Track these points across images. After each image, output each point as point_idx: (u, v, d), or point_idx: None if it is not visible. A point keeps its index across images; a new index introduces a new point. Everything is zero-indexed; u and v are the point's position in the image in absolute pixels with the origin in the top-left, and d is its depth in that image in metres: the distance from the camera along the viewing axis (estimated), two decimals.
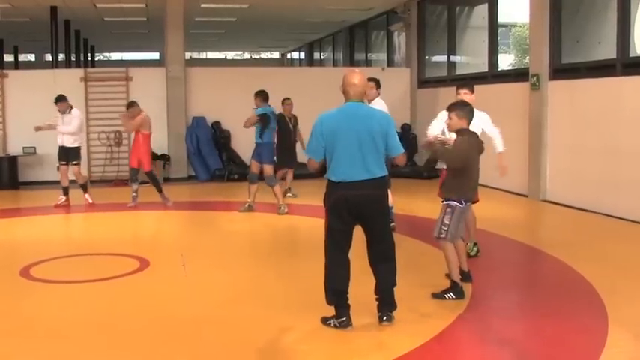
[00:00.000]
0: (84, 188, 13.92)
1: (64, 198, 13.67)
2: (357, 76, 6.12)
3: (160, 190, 13.55)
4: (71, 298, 7.41)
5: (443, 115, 7.67)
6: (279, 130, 13.06)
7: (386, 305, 6.16)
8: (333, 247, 6.04)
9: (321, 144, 5.94)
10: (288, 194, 13.74)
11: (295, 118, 14.11)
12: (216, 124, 18.17)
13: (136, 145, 13.41)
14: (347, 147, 5.88)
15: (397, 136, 6.18)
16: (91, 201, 13.82)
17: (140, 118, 13.26)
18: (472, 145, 7.06)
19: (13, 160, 17.22)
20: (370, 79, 9.10)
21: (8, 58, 31.36)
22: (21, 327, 6.42)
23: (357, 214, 5.96)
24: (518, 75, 14.88)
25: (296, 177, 16.65)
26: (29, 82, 17.84)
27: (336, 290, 6.03)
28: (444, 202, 7.00)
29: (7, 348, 5.82)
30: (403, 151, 6.20)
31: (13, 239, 11.33)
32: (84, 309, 6.98)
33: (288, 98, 14.03)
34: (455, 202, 6.95)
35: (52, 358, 5.62)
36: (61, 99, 13.51)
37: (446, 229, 6.91)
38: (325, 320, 6.12)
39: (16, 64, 32.18)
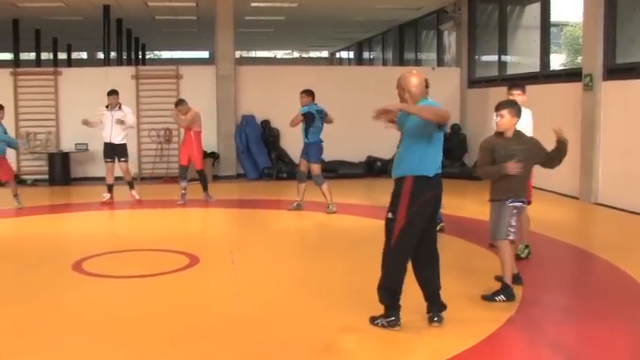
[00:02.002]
0: (131, 185, 14.05)
1: (108, 195, 13.82)
2: (415, 76, 6.09)
3: (205, 188, 13.64)
4: (122, 294, 7.49)
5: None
6: None
7: (435, 306, 6.12)
8: (405, 247, 5.94)
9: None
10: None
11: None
12: (266, 123, 18.22)
13: (187, 143, 13.51)
14: (437, 142, 5.89)
15: None
16: (137, 197, 13.96)
17: (193, 113, 13.38)
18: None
19: (65, 156, 17.50)
20: None
21: (61, 56, 31.80)
22: (71, 321, 6.50)
23: (432, 213, 5.96)
24: (571, 75, 14.66)
25: (342, 176, 16.68)
26: (82, 80, 18.08)
27: (393, 290, 5.99)
28: (510, 204, 6.87)
29: (56, 341, 5.89)
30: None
31: (65, 234, 11.50)
32: (134, 304, 7.05)
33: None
34: (520, 203, 6.87)
35: (100, 352, 5.67)
36: (114, 92, 13.65)
37: (513, 230, 6.84)
38: (373, 320, 6.09)
39: (69, 62, 32.64)
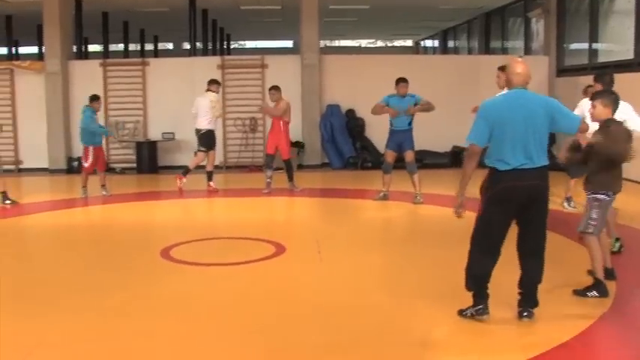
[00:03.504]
0: (210, 175, 14.15)
1: (184, 179, 13.97)
2: (520, 65, 5.97)
3: (291, 178, 13.69)
4: (210, 281, 7.57)
5: (584, 103, 7.38)
6: None
7: (528, 301, 5.97)
8: (485, 236, 5.87)
9: (486, 129, 5.79)
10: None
11: None
12: (351, 112, 18.16)
13: (276, 132, 13.56)
14: (512, 134, 5.71)
15: (568, 110, 6.05)
16: (214, 187, 14.06)
17: (285, 104, 13.49)
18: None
19: (152, 145, 17.79)
20: (502, 68, 8.88)
21: (148, 47, 32.35)
22: (160, 307, 6.61)
23: (520, 204, 5.79)
24: None
25: (428, 166, 16.51)
26: (168, 70, 18.36)
27: (479, 278, 5.90)
28: (592, 196, 6.70)
29: (145, 327, 6.00)
30: (579, 120, 6.06)
31: (152, 221, 11.72)
32: (222, 292, 7.12)
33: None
34: (603, 196, 6.67)
35: (186, 338, 5.73)
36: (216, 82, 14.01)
37: (594, 223, 6.64)
38: (462, 312, 6.02)
39: (156, 53, 33.18)
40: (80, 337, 5.76)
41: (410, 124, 12.10)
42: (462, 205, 5.97)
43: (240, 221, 11.14)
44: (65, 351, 5.48)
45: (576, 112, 8.18)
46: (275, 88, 13.61)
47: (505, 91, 6.44)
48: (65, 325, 6.04)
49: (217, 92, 14.19)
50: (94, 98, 13.42)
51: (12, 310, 6.45)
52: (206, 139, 13.90)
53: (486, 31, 26.73)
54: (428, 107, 12.10)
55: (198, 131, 13.91)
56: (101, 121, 14.26)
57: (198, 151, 14.05)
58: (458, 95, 17.13)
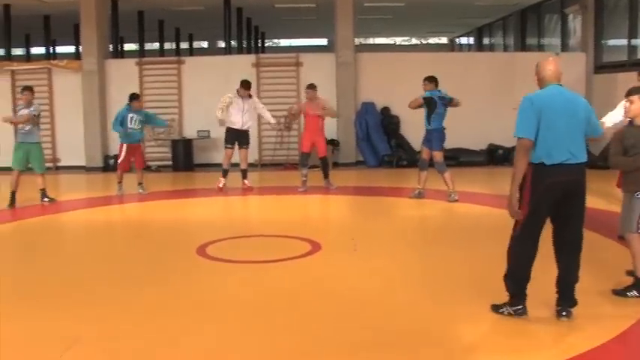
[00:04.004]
0: (245, 173, 14.14)
1: (223, 180, 13.97)
2: (552, 62, 5.91)
3: (326, 175, 13.68)
4: (246, 278, 7.57)
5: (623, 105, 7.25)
6: None
7: (566, 300, 5.88)
8: (527, 233, 5.78)
9: (533, 122, 5.70)
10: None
11: None
12: (386, 110, 18.11)
13: (314, 130, 13.54)
14: (557, 128, 5.64)
15: (596, 118, 5.99)
16: (249, 184, 14.07)
17: (324, 102, 13.58)
18: None
19: (188, 143, 17.91)
20: None
21: (183, 45, 32.49)
22: (196, 304, 6.61)
23: (559, 200, 5.72)
24: None
25: (463, 164, 16.41)
26: (204, 68, 18.46)
27: (520, 279, 5.84)
28: (638, 196, 6.55)
29: (182, 324, 5.99)
30: (602, 131, 6.03)
31: (188, 219, 11.74)
32: (258, 289, 7.11)
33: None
34: None
35: (222, 334, 5.74)
36: (248, 84, 13.89)
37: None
38: (497, 308, 5.96)
39: (191, 52, 33.32)
40: (117, 333, 5.79)
41: (429, 123, 12.01)
42: (517, 205, 5.82)
43: (276, 219, 11.15)
44: (102, 347, 5.50)
45: (617, 111, 8.06)
46: (311, 87, 13.67)
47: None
48: (102, 321, 6.08)
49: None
50: (131, 97, 13.52)
51: (51, 307, 6.51)
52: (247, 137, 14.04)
53: (522, 28, 26.48)
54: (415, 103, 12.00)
55: (246, 131, 14.04)
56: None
57: (242, 148, 14.04)
58: (493, 93, 17.04)
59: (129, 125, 13.40)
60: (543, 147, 5.68)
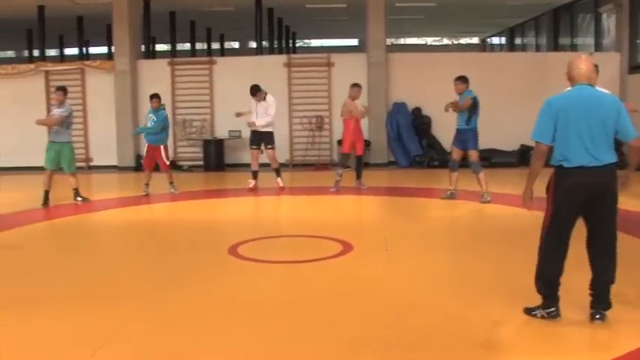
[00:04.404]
0: (277, 172, 14.16)
1: (253, 182, 14.00)
2: (584, 61, 5.83)
3: (359, 175, 13.66)
4: (278, 279, 7.57)
5: None
6: None
7: (600, 303, 5.79)
8: (555, 235, 5.75)
9: (550, 126, 5.67)
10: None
11: None
12: (417, 110, 18.04)
13: (354, 130, 13.54)
14: (579, 132, 5.58)
15: (629, 119, 5.82)
16: (282, 185, 14.06)
17: (359, 103, 13.60)
18: None
19: (219, 143, 17.96)
20: None
21: (214, 45, 32.61)
22: (228, 304, 6.61)
23: (587, 202, 5.64)
24: None
25: (495, 165, 16.30)
26: (235, 69, 18.52)
27: (550, 280, 5.77)
28: None
29: (213, 324, 6.01)
30: (637, 135, 5.82)
31: (219, 219, 11.76)
32: (290, 289, 7.10)
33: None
34: None
35: (253, 335, 5.73)
36: (258, 90, 13.80)
37: None
38: (530, 311, 5.88)
39: (222, 52, 33.43)
40: (149, 332, 5.81)
41: (468, 123, 11.93)
42: (531, 197, 5.85)
43: (308, 219, 11.15)
44: (134, 345, 5.52)
45: None
46: (355, 85, 13.71)
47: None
48: (135, 319, 6.10)
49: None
50: (150, 97, 13.59)
51: (84, 304, 6.55)
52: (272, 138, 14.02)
53: (555, 28, 26.27)
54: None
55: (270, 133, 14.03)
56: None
57: (266, 149, 14.07)
58: (525, 93, 16.89)
59: (147, 124, 13.48)
60: (561, 150, 5.65)
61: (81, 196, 12.79)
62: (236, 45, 39.68)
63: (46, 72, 18.96)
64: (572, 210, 5.69)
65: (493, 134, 16.09)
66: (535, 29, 29.93)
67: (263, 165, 14.23)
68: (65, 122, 12.45)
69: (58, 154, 12.48)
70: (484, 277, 7.37)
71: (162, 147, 13.49)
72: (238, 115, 14.14)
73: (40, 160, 12.79)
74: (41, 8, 20.98)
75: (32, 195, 12.88)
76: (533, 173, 5.80)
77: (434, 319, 6.05)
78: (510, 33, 34.25)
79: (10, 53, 38.85)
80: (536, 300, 5.86)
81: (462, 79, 11.98)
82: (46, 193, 12.42)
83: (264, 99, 13.79)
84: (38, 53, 22.83)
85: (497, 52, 36.49)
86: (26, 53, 29.76)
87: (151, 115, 13.50)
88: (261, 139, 13.91)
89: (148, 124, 13.51)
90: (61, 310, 6.39)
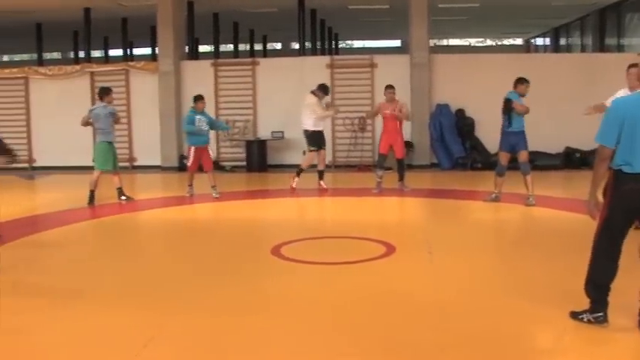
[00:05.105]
0: (321, 174, 14.13)
1: (297, 179, 13.99)
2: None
3: (402, 178, 13.59)
4: (321, 280, 7.56)
5: None
6: None
7: None
8: (607, 240, 5.64)
9: (615, 129, 5.56)
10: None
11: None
12: (460, 112, 17.90)
13: (391, 132, 13.49)
14: (638, 138, 5.49)
15: None
16: (325, 187, 14.05)
17: (402, 104, 13.58)
18: None
19: (262, 144, 18.01)
20: (633, 66, 8.58)
21: (257, 46, 32.76)
22: (271, 304, 6.64)
23: None
24: None
25: (539, 168, 16.10)
26: (278, 70, 18.55)
27: (600, 285, 5.67)
28: None
29: (256, 323, 6.02)
30: None
31: (261, 219, 11.82)
32: (331, 290, 7.08)
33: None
34: None
35: (296, 335, 5.74)
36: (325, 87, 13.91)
37: None
38: (576, 315, 5.78)
39: (264, 53, 33.57)
40: (193, 331, 5.83)
41: (519, 125, 11.81)
42: (596, 205, 5.71)
43: (350, 220, 11.12)
44: (178, 344, 5.57)
45: None
46: (389, 87, 13.61)
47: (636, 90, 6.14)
48: (178, 319, 6.14)
49: (320, 97, 14.06)
50: (195, 99, 13.61)
51: (129, 303, 6.63)
52: (312, 139, 13.97)
53: (601, 28, 25.92)
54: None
55: (305, 131, 14.00)
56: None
57: (309, 150, 14.09)
58: (571, 95, 16.70)
59: (197, 126, 13.50)
60: (623, 155, 5.51)
61: (125, 196, 12.92)
62: (278, 46, 39.83)
63: (92, 73, 19.19)
64: (627, 215, 5.58)
65: (537, 136, 15.83)
66: (581, 29, 29.60)
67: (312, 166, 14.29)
68: (111, 122, 12.62)
69: (105, 153, 12.69)
70: (529, 280, 7.28)
71: (208, 147, 13.58)
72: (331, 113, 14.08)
73: (85, 159, 12.93)
74: (87, 10, 21.24)
75: (77, 194, 13.10)
76: (597, 178, 5.65)
77: (477, 321, 6.00)
78: (555, 33, 33.93)
79: (56, 54, 39.43)
80: (583, 304, 5.77)
81: (522, 81, 11.82)
82: (92, 192, 12.59)
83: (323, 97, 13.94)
84: (84, 54, 23.12)
85: (542, 53, 36.14)
86: (72, 54, 30.17)
87: (200, 116, 13.48)
88: (321, 139, 14.03)
89: (202, 127, 13.46)
90: (108, 308, 6.48)
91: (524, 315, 6.12)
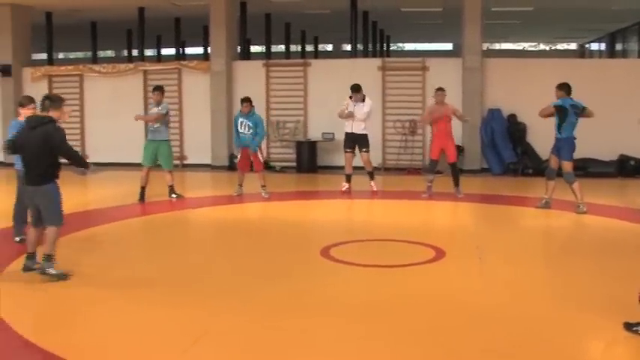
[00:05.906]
0: (371, 176, 14.14)
1: (347, 185, 14.03)
2: None
3: (457, 183, 13.45)
4: (368, 282, 7.57)
5: None
6: None
7: None
8: None
9: None
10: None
11: None
12: (512, 117, 17.71)
13: (443, 135, 13.36)
14: None
15: None
16: (375, 189, 14.05)
17: (452, 107, 13.54)
18: None
19: (312, 145, 18.03)
20: None
21: (308, 48, 32.80)
22: (319, 305, 6.66)
23: None
24: None
25: (592, 175, 15.88)
26: (329, 71, 18.57)
27: None
28: None
29: (304, 323, 6.08)
30: None
31: (311, 220, 11.85)
32: (379, 293, 7.08)
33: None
34: None
35: (343, 337, 5.75)
36: (360, 89, 13.79)
37: None
38: (631, 326, 5.69)
39: (316, 54, 33.61)
40: (242, 328, 5.90)
41: (559, 131, 11.65)
42: None
43: (400, 224, 11.10)
44: (228, 341, 5.64)
45: None
46: (440, 89, 13.50)
47: None
48: (227, 317, 6.20)
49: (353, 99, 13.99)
50: (240, 101, 13.70)
51: (179, 299, 6.73)
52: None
53: None
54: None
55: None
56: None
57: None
58: (626, 102, 16.44)
59: (239, 129, 13.52)
60: None
61: (176, 193, 13.06)
62: (329, 47, 39.85)
63: (145, 71, 19.41)
64: None
65: (591, 143, 15.64)
66: (638, 35, 29.08)
67: (357, 168, 14.25)
68: (163, 120, 12.76)
69: (155, 151, 12.80)
70: (581, 289, 7.20)
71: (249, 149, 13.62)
72: (347, 116, 14.02)
73: (136, 156, 13.08)
74: (141, 9, 21.49)
75: (129, 190, 13.28)
76: None
77: (526, 329, 5.95)
78: (611, 38, 33.38)
79: (110, 53, 39.93)
80: (636, 315, 5.69)
81: (560, 87, 11.70)
82: (142, 189, 12.74)
83: (363, 100, 13.79)
84: (137, 53, 23.37)
85: (597, 59, 35.63)
86: (125, 53, 30.51)
87: (243, 119, 13.48)
88: (356, 141, 13.93)
89: (241, 129, 13.45)
90: (160, 303, 6.62)
91: (575, 323, 6.06)
